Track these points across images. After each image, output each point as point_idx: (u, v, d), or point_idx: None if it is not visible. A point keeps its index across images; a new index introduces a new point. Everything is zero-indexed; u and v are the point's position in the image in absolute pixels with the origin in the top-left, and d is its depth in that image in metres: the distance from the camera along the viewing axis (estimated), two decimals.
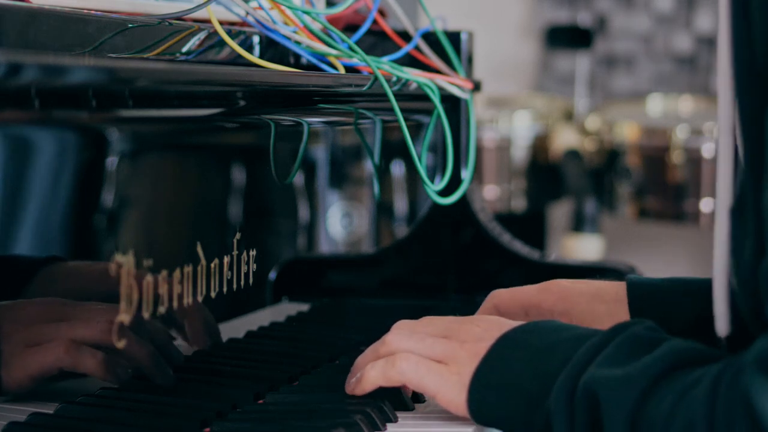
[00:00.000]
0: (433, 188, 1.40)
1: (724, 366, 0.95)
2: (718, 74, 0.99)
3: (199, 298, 1.18)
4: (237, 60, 1.26)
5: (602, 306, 1.24)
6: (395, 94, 1.31)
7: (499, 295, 1.27)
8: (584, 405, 0.98)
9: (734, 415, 0.92)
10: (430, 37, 1.54)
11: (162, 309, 1.10)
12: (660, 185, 3.16)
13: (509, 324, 1.10)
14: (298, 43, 1.32)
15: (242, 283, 1.27)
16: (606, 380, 0.98)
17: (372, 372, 1.10)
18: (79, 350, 1.07)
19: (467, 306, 1.30)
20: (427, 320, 1.14)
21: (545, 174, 3.27)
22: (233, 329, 1.34)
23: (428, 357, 1.09)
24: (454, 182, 1.53)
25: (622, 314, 1.23)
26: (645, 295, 1.24)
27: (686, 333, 1.21)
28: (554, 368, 1.02)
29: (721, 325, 1.04)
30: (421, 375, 1.08)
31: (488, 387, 1.05)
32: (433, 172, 1.66)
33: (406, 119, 1.32)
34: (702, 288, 1.24)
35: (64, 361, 1.06)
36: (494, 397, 1.04)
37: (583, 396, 0.99)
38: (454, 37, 1.62)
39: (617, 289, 1.25)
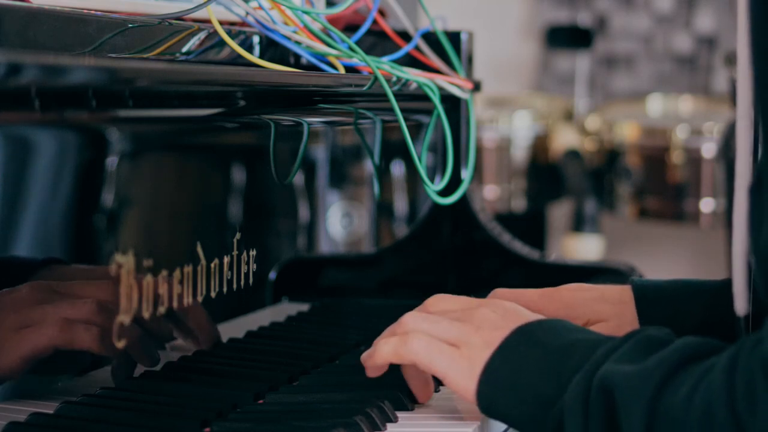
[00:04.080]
0: (433, 188, 1.40)
1: (740, 344, 0.95)
2: (738, 55, 1.00)
3: (199, 298, 1.18)
4: (237, 60, 1.26)
5: (607, 306, 1.24)
6: (395, 94, 1.31)
7: (502, 295, 1.26)
8: (599, 401, 0.98)
9: (755, 382, 0.91)
10: (430, 37, 1.54)
11: (162, 309, 1.10)
12: (660, 185, 3.16)
13: (526, 315, 1.09)
14: (298, 43, 1.32)
15: (242, 283, 1.27)
16: (621, 374, 0.98)
17: (385, 347, 1.10)
18: (73, 327, 1.06)
19: None
20: (440, 299, 1.14)
21: (545, 174, 3.27)
22: (233, 329, 1.34)
23: (442, 339, 1.09)
24: (454, 182, 1.53)
25: (627, 314, 1.23)
26: (651, 298, 1.24)
27: (693, 334, 1.21)
28: (570, 370, 1.01)
29: (740, 304, 1.04)
30: (432, 356, 1.08)
31: (500, 381, 1.04)
32: (433, 172, 1.66)
33: (406, 119, 1.32)
34: (707, 290, 1.24)
35: (58, 340, 1.06)
36: (505, 393, 1.04)
37: (598, 392, 0.98)
38: (454, 37, 1.62)
39: (621, 291, 1.25)
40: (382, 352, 1.10)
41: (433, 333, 1.09)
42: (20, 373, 1.06)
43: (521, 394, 1.03)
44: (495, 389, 1.04)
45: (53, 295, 1.07)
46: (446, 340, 1.09)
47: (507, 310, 1.10)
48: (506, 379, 1.04)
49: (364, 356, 1.12)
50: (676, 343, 1.00)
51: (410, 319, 1.12)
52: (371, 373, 1.13)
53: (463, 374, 1.06)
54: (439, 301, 1.15)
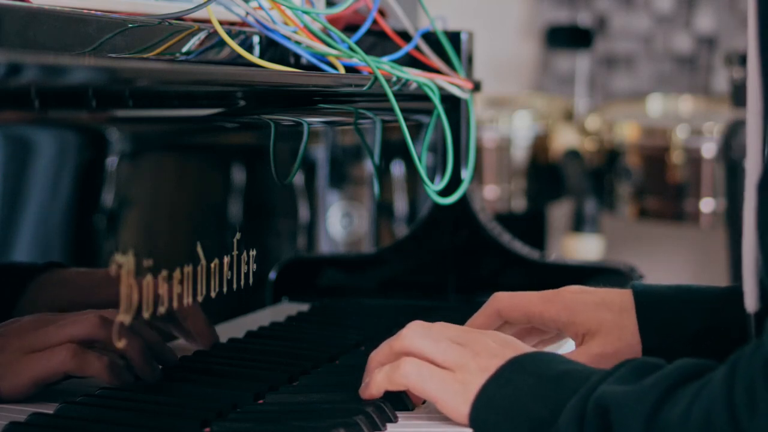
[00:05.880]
0: (433, 188, 1.40)
1: (739, 352, 0.95)
2: (748, 53, 1.00)
3: (199, 298, 1.18)
4: (237, 60, 1.26)
5: (608, 315, 1.23)
6: (395, 94, 1.31)
7: (502, 300, 1.26)
8: (595, 422, 0.98)
9: (755, 384, 0.91)
10: (430, 37, 1.54)
11: (162, 309, 1.10)
12: (660, 185, 3.16)
13: (523, 347, 1.10)
14: (298, 43, 1.32)
15: (242, 283, 1.27)
16: (617, 394, 0.98)
17: (378, 376, 1.10)
18: (85, 354, 1.08)
19: (467, 306, 1.30)
20: (443, 325, 1.14)
21: (545, 174, 3.27)
22: (233, 329, 1.34)
23: (439, 360, 1.09)
24: (454, 182, 1.53)
25: (628, 323, 1.23)
26: (652, 304, 1.23)
27: (693, 342, 1.20)
28: (564, 396, 1.02)
29: (750, 301, 1.04)
30: (424, 379, 1.08)
31: (494, 406, 1.04)
32: (433, 172, 1.66)
33: (406, 119, 1.32)
34: (709, 296, 1.23)
35: (69, 365, 1.08)
36: (499, 418, 1.04)
37: (594, 412, 0.98)
38: (454, 37, 1.62)
39: (622, 297, 1.24)
40: (377, 382, 1.10)
41: (430, 352, 1.09)
42: (28, 395, 1.07)
43: (516, 418, 1.03)
44: (489, 413, 1.05)
45: (56, 318, 1.08)
46: (442, 362, 1.09)
47: (506, 342, 1.11)
48: (501, 404, 1.04)
49: (361, 390, 1.12)
50: (673, 364, 1.00)
51: (409, 332, 1.11)
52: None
53: (455, 397, 1.07)
54: (442, 327, 1.14)
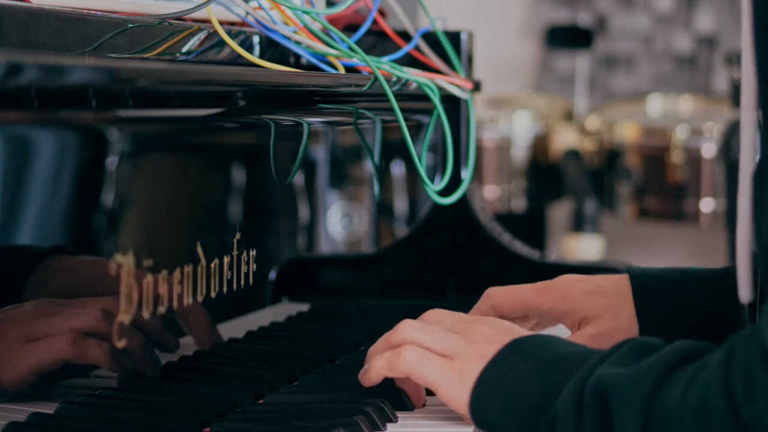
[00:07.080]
0: (433, 188, 1.40)
1: (737, 336, 0.95)
2: (742, 51, 1.00)
3: (199, 298, 1.18)
4: (237, 60, 1.26)
5: (603, 300, 1.24)
6: (395, 94, 1.31)
7: (497, 295, 1.26)
8: (593, 404, 0.98)
9: (752, 369, 0.91)
10: (430, 37, 1.54)
11: (162, 309, 1.10)
12: (660, 185, 3.16)
13: (520, 332, 1.10)
14: (298, 43, 1.32)
15: (242, 283, 1.27)
16: (615, 376, 0.98)
17: (378, 362, 1.11)
18: (85, 341, 1.07)
19: (467, 306, 1.30)
20: (438, 313, 1.14)
21: (545, 174, 3.28)
22: (233, 329, 1.34)
23: (436, 349, 1.09)
24: (454, 182, 1.53)
25: (624, 306, 1.23)
26: (649, 286, 1.23)
27: (691, 324, 1.20)
28: (561, 379, 1.01)
29: (744, 291, 1.04)
30: (424, 366, 1.08)
31: (492, 392, 1.04)
32: (433, 172, 1.66)
33: (406, 119, 1.32)
34: (706, 278, 1.24)
35: (69, 353, 1.07)
36: (497, 403, 1.04)
37: (592, 395, 0.98)
38: (454, 37, 1.62)
39: (618, 282, 1.25)
40: (376, 368, 1.11)
41: (428, 343, 1.10)
42: (28, 385, 1.07)
43: (513, 403, 1.03)
44: (487, 399, 1.05)
45: (56, 309, 1.08)
46: (440, 350, 1.09)
47: (502, 327, 1.11)
48: (499, 389, 1.04)
49: (360, 374, 1.12)
50: (670, 345, 1.00)
51: (406, 326, 1.12)
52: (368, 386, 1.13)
53: (454, 385, 1.07)
54: (437, 314, 1.15)
